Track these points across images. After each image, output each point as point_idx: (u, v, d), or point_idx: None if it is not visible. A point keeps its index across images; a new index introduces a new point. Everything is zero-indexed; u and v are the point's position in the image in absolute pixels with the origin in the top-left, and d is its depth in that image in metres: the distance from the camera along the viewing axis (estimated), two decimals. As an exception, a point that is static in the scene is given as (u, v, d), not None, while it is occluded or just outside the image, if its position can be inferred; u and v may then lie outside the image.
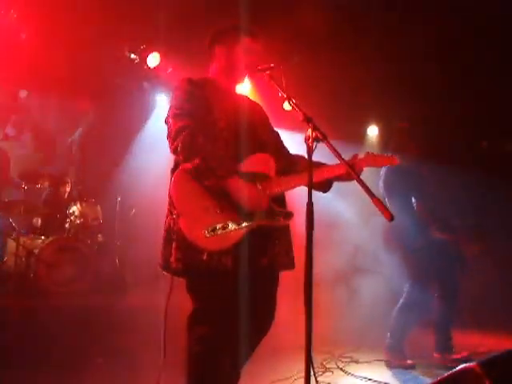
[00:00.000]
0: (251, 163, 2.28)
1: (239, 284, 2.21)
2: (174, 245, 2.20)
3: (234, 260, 2.16)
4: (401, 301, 4.25)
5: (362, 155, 2.43)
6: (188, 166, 2.18)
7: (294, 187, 2.32)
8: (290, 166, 2.50)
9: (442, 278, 4.23)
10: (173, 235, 2.21)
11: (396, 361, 4.11)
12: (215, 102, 2.36)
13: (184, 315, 2.31)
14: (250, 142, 2.36)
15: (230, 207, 2.18)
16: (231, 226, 2.15)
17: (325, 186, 2.49)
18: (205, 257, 2.13)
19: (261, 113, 2.61)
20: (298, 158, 2.55)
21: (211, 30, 2.56)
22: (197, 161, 2.14)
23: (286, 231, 2.42)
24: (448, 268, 4.22)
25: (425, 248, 4.10)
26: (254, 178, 2.23)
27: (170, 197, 2.24)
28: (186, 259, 2.17)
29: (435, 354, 4.26)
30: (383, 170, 4.34)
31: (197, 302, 2.27)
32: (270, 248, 2.32)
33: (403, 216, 4.01)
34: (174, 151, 2.22)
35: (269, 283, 2.42)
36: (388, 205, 4.13)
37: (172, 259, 2.19)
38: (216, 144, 2.25)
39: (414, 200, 4.21)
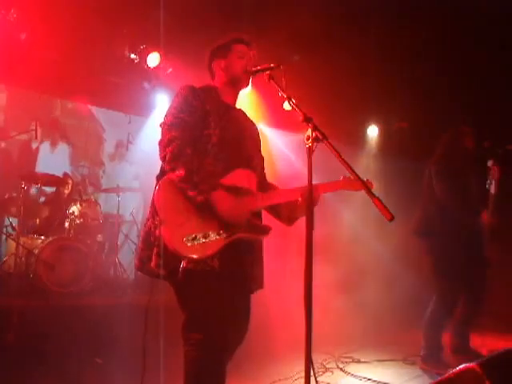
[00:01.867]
0: (234, 178, 2.33)
1: (226, 285, 2.25)
2: (154, 250, 2.22)
3: (221, 262, 2.20)
4: (430, 308, 4.17)
5: (340, 178, 2.43)
6: (173, 176, 2.21)
7: (275, 203, 2.42)
8: (265, 190, 2.54)
9: (469, 276, 4.13)
10: (153, 240, 2.23)
11: (434, 370, 4.01)
12: (213, 115, 2.39)
13: (174, 314, 2.32)
14: (240, 159, 2.41)
15: (212, 217, 2.20)
16: (212, 235, 2.18)
17: (292, 214, 2.49)
18: (184, 264, 2.16)
19: (256, 134, 2.66)
20: (271, 186, 2.62)
21: (206, 52, 2.62)
22: (181, 172, 2.18)
23: (260, 250, 2.49)
24: (475, 266, 4.14)
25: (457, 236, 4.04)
26: (237, 192, 2.28)
27: (152, 203, 2.26)
28: (168, 266, 2.18)
29: (449, 351, 4.24)
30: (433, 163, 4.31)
31: (187, 308, 2.28)
32: (248, 265, 2.38)
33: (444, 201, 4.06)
34: (163, 159, 2.25)
35: (247, 292, 2.47)
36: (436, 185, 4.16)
37: (152, 264, 2.21)
38: (205, 159, 2.29)
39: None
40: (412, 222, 4.42)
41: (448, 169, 4.22)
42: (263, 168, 2.67)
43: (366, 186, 2.06)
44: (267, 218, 2.53)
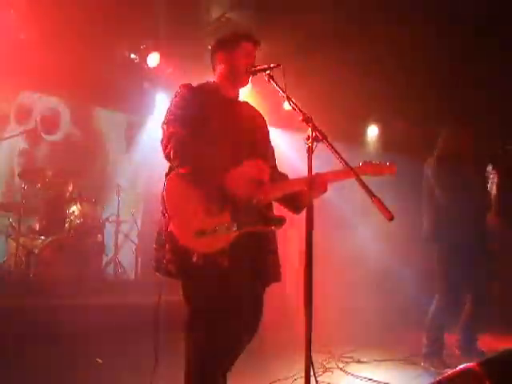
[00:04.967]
0: (245, 169, 2.30)
1: (233, 285, 2.24)
2: (166, 247, 2.22)
3: (230, 260, 2.19)
4: (432, 307, 4.16)
5: (360, 163, 2.38)
6: (181, 170, 2.22)
7: (287, 192, 2.39)
8: (276, 181, 2.51)
9: (475, 276, 4.11)
10: (165, 237, 2.23)
11: (435, 368, 3.99)
12: (214, 109, 2.39)
13: (179, 314, 2.31)
14: (247, 151, 2.39)
15: (221, 212, 2.20)
16: (221, 230, 2.17)
17: (299, 202, 2.46)
18: (194, 259, 2.15)
19: (262, 124, 2.63)
20: (282, 176, 2.58)
21: (213, 40, 2.61)
22: (188, 166, 2.19)
23: (273, 242, 2.47)
24: (480, 267, 4.11)
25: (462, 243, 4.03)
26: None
27: (162, 199, 2.26)
28: (178, 261, 2.19)
29: (457, 351, 4.24)
30: (430, 163, 4.31)
31: (192, 305, 2.27)
32: (260, 257, 2.37)
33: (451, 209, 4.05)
34: (167, 157, 2.26)
35: (259, 285, 2.45)
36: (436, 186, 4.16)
37: (165, 261, 2.21)
38: (210, 150, 2.27)
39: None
40: (422, 229, 4.39)
41: (445, 168, 4.21)
42: (274, 158, 2.64)
43: (367, 189, 2.05)
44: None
